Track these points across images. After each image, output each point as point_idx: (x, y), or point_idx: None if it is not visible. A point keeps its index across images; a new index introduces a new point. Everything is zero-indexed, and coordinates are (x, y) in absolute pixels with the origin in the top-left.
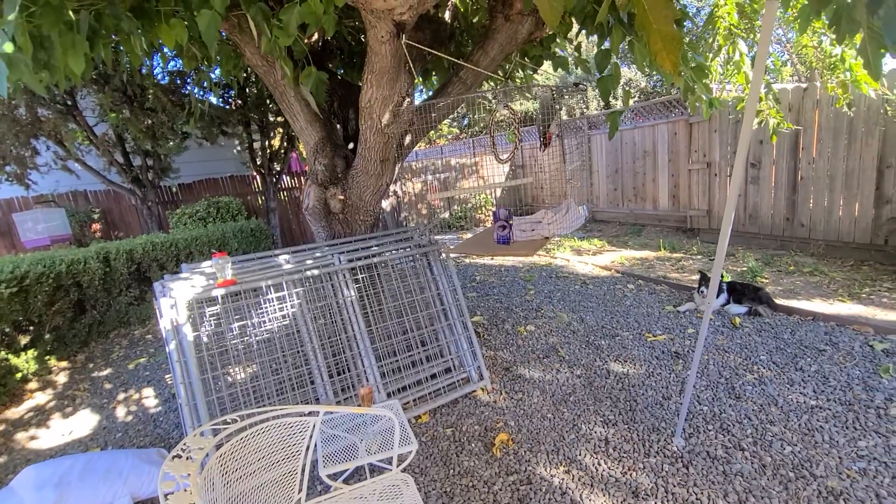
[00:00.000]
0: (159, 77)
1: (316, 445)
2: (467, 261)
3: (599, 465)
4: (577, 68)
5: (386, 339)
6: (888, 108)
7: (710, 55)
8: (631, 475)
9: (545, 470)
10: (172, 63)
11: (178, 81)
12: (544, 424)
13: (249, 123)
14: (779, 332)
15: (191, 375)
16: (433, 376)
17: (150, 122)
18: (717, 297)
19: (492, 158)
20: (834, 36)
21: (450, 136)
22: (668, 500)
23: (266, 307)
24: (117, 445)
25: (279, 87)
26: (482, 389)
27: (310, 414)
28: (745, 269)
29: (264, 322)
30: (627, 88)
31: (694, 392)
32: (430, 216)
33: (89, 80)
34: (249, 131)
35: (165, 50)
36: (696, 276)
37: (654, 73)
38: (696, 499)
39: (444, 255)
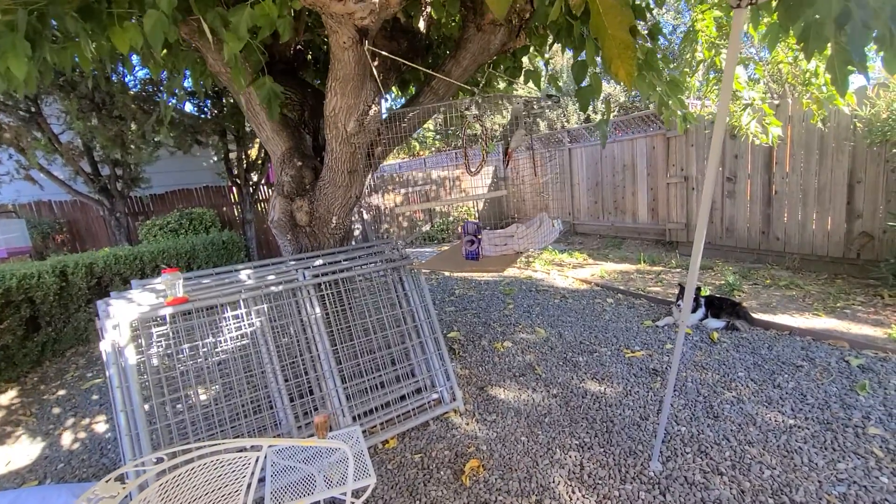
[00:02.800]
0: (130, 84)
1: (264, 480)
2: (447, 274)
3: (574, 493)
4: (549, 84)
5: (353, 358)
6: (857, 125)
7: (689, 70)
8: None
9: (516, 500)
10: (144, 71)
11: (151, 89)
12: (517, 448)
13: (225, 133)
14: (756, 348)
15: (133, 403)
16: (402, 398)
17: (119, 130)
18: (695, 311)
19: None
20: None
21: (433, 149)
22: None
23: (222, 326)
24: (57, 478)
25: (244, 95)
26: (454, 411)
27: (252, 448)
28: (723, 282)
29: (220, 343)
30: (608, 99)
31: (671, 411)
32: (411, 228)
33: (54, 86)
34: (225, 141)
35: (132, 58)
36: (676, 290)
37: (639, 85)
38: None
39: (415, 269)
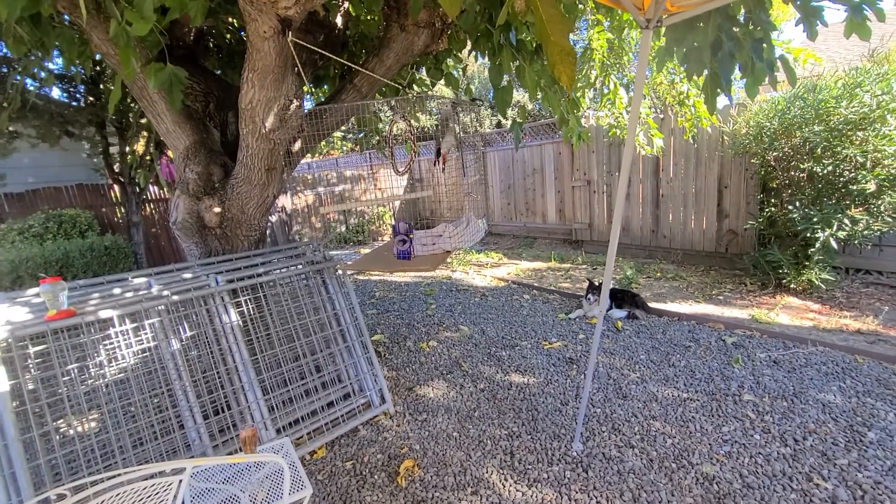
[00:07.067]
0: None
1: None
2: (365, 277)
3: (506, 480)
4: (462, 90)
5: (275, 367)
6: (725, 138)
7: (582, 85)
8: (537, 487)
9: (453, 494)
10: None
11: (6, 70)
12: (450, 444)
13: (104, 124)
14: (653, 333)
15: (6, 436)
16: (330, 404)
17: None
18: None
19: (389, 171)
20: (684, 74)
21: (345, 149)
22: None
23: (118, 341)
24: None
25: (138, 82)
26: (385, 414)
27: (173, 471)
28: (622, 276)
29: (116, 360)
30: (522, 104)
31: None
32: (326, 230)
33: None
34: (104, 133)
35: None
36: (584, 285)
37: (542, 98)
38: (597, 502)
39: (340, 271)
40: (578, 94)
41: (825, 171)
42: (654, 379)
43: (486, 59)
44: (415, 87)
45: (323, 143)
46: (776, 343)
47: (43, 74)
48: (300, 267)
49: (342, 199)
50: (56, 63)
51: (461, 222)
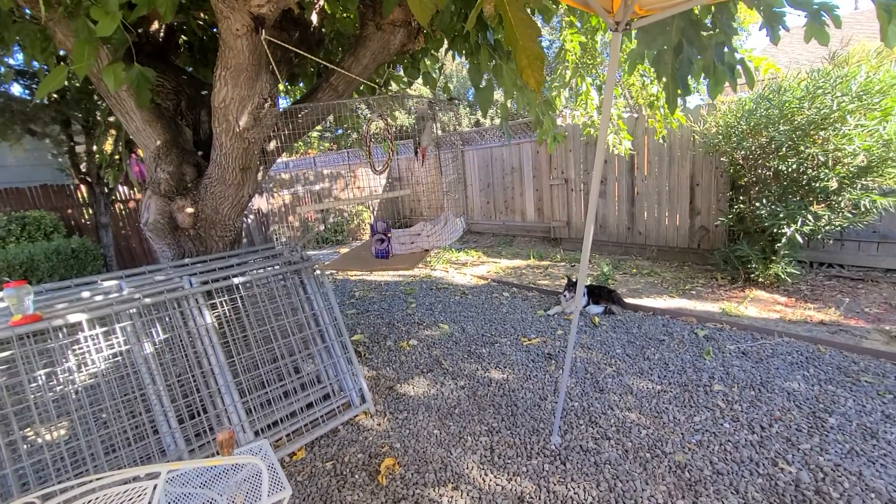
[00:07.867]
0: None
1: None
2: (344, 276)
3: (486, 475)
4: (443, 93)
5: (252, 369)
6: (696, 137)
7: (558, 85)
8: (516, 481)
9: (434, 490)
10: None
11: None
12: (431, 442)
13: (70, 122)
14: (629, 328)
15: None
16: (310, 405)
17: None
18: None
19: (367, 170)
20: (654, 76)
21: (322, 148)
22: (550, 501)
23: (88, 346)
24: None
25: None
26: (365, 413)
27: (147, 476)
28: (599, 273)
29: (85, 365)
30: (503, 102)
31: (565, 390)
32: (304, 230)
33: None
34: (70, 132)
35: None
36: (563, 282)
37: (517, 98)
38: (574, 493)
39: (318, 271)
40: (554, 94)
41: (790, 169)
42: (630, 372)
43: (464, 58)
44: (392, 84)
45: (299, 142)
46: (745, 335)
47: (2, 70)
48: (277, 267)
49: (320, 199)
50: (16, 58)
51: (439, 221)
